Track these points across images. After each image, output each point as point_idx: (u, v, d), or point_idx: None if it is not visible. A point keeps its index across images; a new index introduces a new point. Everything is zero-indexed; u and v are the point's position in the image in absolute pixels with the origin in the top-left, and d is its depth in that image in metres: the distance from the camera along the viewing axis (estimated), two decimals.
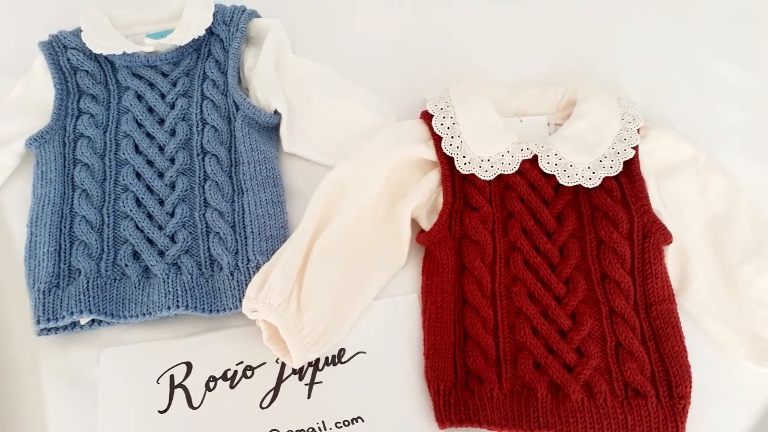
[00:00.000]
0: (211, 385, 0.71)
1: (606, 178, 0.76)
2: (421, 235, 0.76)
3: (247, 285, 0.72)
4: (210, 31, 0.90)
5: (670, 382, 0.67)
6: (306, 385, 0.71)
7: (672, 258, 0.74)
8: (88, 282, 0.73)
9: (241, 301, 0.72)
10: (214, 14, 0.89)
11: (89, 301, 0.72)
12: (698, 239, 0.76)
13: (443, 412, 0.67)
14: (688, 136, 0.81)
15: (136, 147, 0.83)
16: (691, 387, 0.67)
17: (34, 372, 0.72)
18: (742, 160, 0.84)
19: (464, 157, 0.77)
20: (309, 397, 0.70)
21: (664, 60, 0.96)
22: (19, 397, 0.72)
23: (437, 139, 0.78)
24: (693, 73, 0.94)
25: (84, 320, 0.73)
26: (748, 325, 0.71)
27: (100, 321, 0.74)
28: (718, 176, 0.78)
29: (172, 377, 0.71)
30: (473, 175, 0.76)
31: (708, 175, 0.78)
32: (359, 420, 0.69)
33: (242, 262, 0.75)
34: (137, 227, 0.78)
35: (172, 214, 0.79)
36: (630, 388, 0.67)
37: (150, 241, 0.77)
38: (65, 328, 0.73)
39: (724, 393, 0.70)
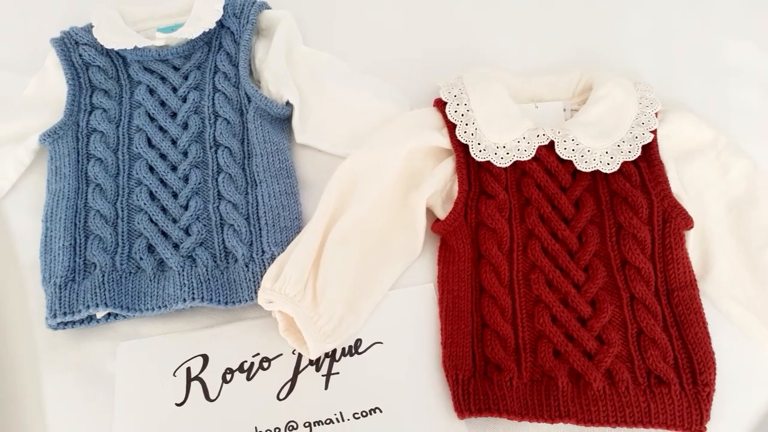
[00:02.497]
0: (228, 377, 0.71)
1: (624, 163, 0.74)
2: (436, 224, 0.75)
3: (262, 276, 0.72)
4: (220, 24, 0.89)
5: (693, 369, 0.66)
6: (323, 376, 0.70)
7: (693, 243, 0.73)
8: (103, 276, 0.73)
9: (256, 293, 0.71)
10: (224, 7, 0.89)
11: (105, 294, 0.72)
12: (719, 223, 0.74)
13: (462, 402, 0.66)
14: (706, 119, 0.79)
15: (149, 141, 0.83)
16: (715, 374, 0.65)
17: (41, 367, 0.72)
18: (761, 143, 0.82)
19: (479, 144, 0.76)
20: (326, 388, 0.70)
21: (678, 43, 0.94)
22: (29, 393, 0.72)
23: (451, 127, 0.77)
24: (708, 56, 0.92)
25: (100, 314, 0.73)
26: None
27: (116, 314, 0.74)
28: (739, 159, 0.76)
29: (188, 370, 0.71)
30: (489, 162, 0.75)
31: (729, 158, 0.76)
32: (377, 411, 0.68)
33: (257, 254, 0.74)
34: (151, 220, 0.77)
35: (186, 207, 0.79)
36: (653, 376, 0.66)
37: (164, 234, 0.77)
38: (81, 322, 0.73)
39: (747, 379, 0.69)
